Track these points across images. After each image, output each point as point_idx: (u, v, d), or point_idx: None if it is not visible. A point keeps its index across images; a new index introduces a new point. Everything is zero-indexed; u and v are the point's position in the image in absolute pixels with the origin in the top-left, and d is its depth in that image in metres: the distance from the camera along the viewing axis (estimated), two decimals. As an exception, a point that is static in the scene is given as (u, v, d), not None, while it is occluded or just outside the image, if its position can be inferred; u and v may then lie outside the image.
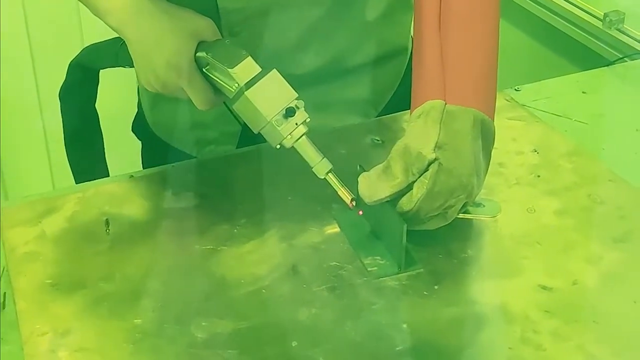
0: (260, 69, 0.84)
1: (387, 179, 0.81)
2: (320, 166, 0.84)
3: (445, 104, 0.83)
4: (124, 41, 0.90)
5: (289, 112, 0.82)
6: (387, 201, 0.82)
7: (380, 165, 0.83)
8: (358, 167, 0.86)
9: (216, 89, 0.88)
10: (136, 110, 1.16)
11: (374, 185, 0.81)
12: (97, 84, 1.03)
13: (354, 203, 0.84)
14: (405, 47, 1.11)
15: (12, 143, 1.87)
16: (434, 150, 0.80)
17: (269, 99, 0.82)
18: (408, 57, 1.11)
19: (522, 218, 0.92)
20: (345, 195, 0.84)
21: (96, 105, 1.04)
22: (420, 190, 0.80)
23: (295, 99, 0.83)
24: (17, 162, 1.83)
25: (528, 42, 1.73)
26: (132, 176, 0.98)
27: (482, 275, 0.84)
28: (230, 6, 0.97)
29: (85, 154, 1.06)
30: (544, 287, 0.82)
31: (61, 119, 1.05)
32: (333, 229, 0.89)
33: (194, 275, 0.84)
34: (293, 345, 0.76)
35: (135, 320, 0.78)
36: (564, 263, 0.85)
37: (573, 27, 1.53)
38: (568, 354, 0.75)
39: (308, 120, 0.83)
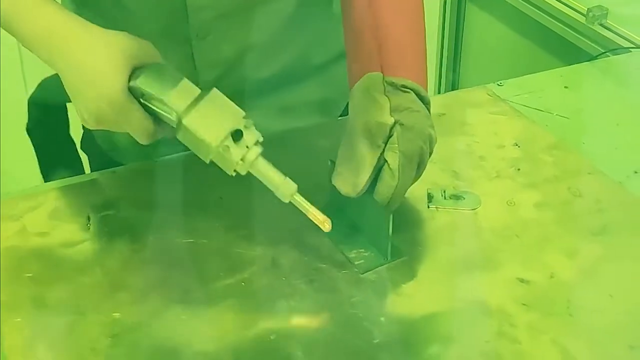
0: (199, 91, 0.75)
1: (358, 163, 0.80)
2: (284, 189, 0.77)
3: (384, 76, 0.83)
4: None
5: (237, 135, 0.74)
6: (367, 193, 0.82)
7: (341, 156, 0.82)
8: (329, 162, 0.85)
9: (158, 119, 0.79)
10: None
11: (351, 178, 0.81)
12: (66, 113, 0.96)
13: (327, 225, 0.80)
14: None
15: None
16: (391, 114, 0.80)
17: (211, 123, 0.74)
18: None
19: (501, 211, 0.92)
20: (316, 217, 0.79)
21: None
22: (394, 158, 0.79)
23: (243, 117, 0.75)
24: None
25: (511, 37, 1.74)
26: (114, 172, 0.98)
27: (460, 268, 0.85)
28: (199, 3, 0.90)
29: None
30: (522, 280, 0.83)
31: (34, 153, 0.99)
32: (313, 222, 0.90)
33: (173, 269, 0.84)
34: (271, 338, 0.76)
35: (114, 314, 0.79)
36: (542, 256, 0.86)
37: (556, 22, 1.54)
38: (543, 348, 0.75)
39: (261, 139, 0.76)
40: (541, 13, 1.57)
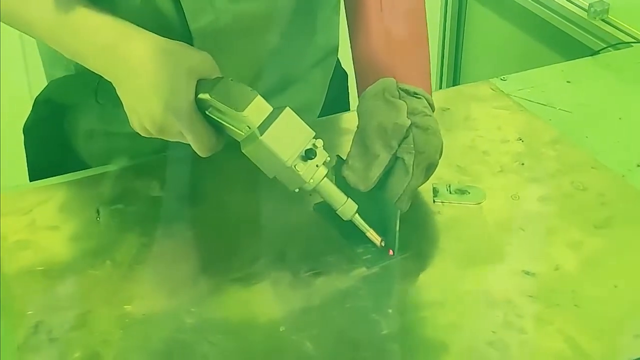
0: (272, 108, 0.77)
1: (371, 160, 0.82)
2: (346, 208, 0.80)
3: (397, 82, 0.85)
4: (102, 77, 0.82)
5: (309, 154, 0.76)
6: (376, 188, 0.83)
7: (354, 151, 0.83)
8: (336, 157, 0.86)
9: (218, 132, 0.80)
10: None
11: (362, 173, 0.83)
12: (64, 117, 0.98)
13: (383, 244, 0.83)
14: (336, 47, 1.10)
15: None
16: (407, 117, 0.82)
17: (286, 141, 0.75)
18: (337, 56, 1.11)
19: (506, 205, 0.93)
20: (374, 236, 0.82)
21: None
22: (410, 157, 0.81)
23: (313, 137, 0.77)
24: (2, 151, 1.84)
25: (514, 32, 1.75)
26: (123, 166, 0.99)
27: (466, 261, 0.86)
28: (200, 23, 0.88)
29: None
30: (527, 273, 0.84)
31: (24, 153, 0.99)
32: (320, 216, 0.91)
33: (182, 262, 0.85)
34: (280, 330, 0.77)
35: (125, 307, 0.79)
36: (547, 249, 0.87)
37: (558, 17, 1.54)
38: (549, 338, 0.76)
39: (328, 159, 0.78)
40: (542, 8, 1.58)
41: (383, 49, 0.90)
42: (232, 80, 0.79)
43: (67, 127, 1.01)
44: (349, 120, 1.07)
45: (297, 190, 0.78)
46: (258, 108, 0.76)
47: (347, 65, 1.00)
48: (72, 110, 1.00)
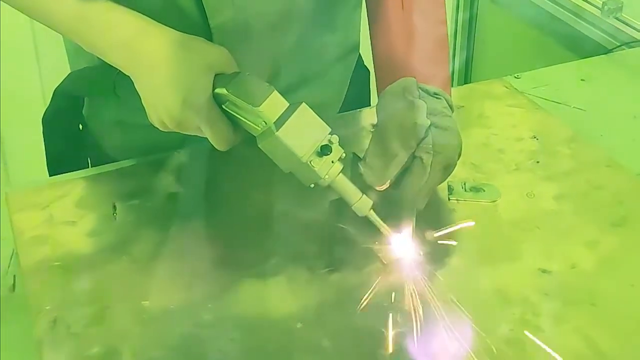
0: (288, 104, 0.77)
1: (389, 158, 0.82)
2: (361, 204, 0.79)
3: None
4: (120, 71, 0.83)
5: (325, 150, 0.76)
6: (392, 187, 0.83)
7: (372, 149, 0.83)
8: (352, 154, 0.86)
9: (236, 126, 0.80)
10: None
11: (379, 170, 0.83)
12: (82, 108, 0.99)
13: (397, 240, 0.82)
14: (356, 45, 1.10)
15: (15, 129, 1.89)
16: (427, 117, 0.82)
17: (301, 136, 0.75)
18: (358, 53, 1.12)
19: (521, 203, 0.93)
20: (389, 233, 0.82)
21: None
22: (428, 157, 0.82)
23: (329, 133, 0.77)
24: (19, 147, 1.85)
25: (526, 30, 1.75)
26: (139, 162, 0.99)
27: (482, 259, 0.86)
28: (220, 19, 0.89)
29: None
30: (543, 271, 0.84)
31: (43, 143, 1.00)
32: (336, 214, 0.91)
33: (199, 258, 0.85)
34: (297, 326, 0.77)
35: (143, 302, 0.80)
36: (563, 247, 0.87)
37: (572, 16, 1.54)
38: (566, 336, 0.76)
39: (344, 155, 0.78)
40: (556, 6, 1.58)
41: (403, 49, 0.90)
42: (249, 75, 0.79)
43: (85, 118, 1.02)
44: (368, 116, 1.07)
45: (312, 185, 0.79)
46: (274, 103, 0.76)
47: (369, 62, 1.00)
48: (91, 101, 1.00)
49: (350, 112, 1.10)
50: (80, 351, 0.75)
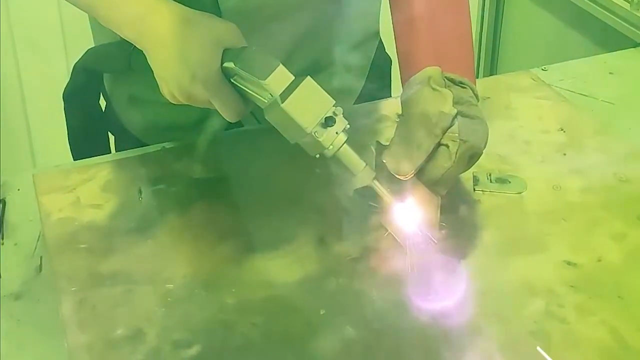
0: (293, 77, 0.79)
1: (414, 148, 0.82)
2: (364, 173, 0.81)
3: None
4: (136, 47, 0.85)
5: (329, 122, 0.78)
6: (416, 176, 0.83)
7: (397, 138, 0.83)
8: (375, 143, 0.86)
9: (244, 99, 0.83)
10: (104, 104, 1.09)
11: (404, 160, 0.82)
12: (102, 84, 1.00)
13: (400, 211, 0.83)
14: (376, 32, 1.10)
15: (41, 110, 1.90)
16: (453, 106, 0.82)
17: (306, 109, 0.78)
18: (378, 40, 1.12)
19: (547, 195, 0.93)
20: (390, 201, 0.82)
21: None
22: (455, 145, 0.81)
23: (333, 105, 0.79)
24: (46, 129, 1.87)
25: (555, 24, 1.73)
26: (164, 147, 1.00)
27: (507, 250, 0.85)
28: (230, 3, 0.91)
29: (91, 152, 1.02)
30: (569, 263, 0.83)
31: (65, 119, 1.03)
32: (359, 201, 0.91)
33: (223, 243, 0.86)
34: (321, 313, 0.78)
35: (167, 285, 0.80)
36: (589, 240, 0.86)
37: (600, 9, 1.52)
38: (592, 328, 0.76)
39: (348, 127, 0.80)
40: (585, 0, 1.56)
41: (427, 39, 0.89)
42: (255, 49, 0.82)
43: (109, 95, 1.04)
44: (390, 106, 1.07)
45: (317, 156, 0.81)
46: (280, 77, 0.79)
47: (391, 50, 1.00)
48: (111, 78, 1.02)
49: (375, 101, 1.10)
50: (105, 332, 0.76)
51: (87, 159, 0.98)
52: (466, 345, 0.75)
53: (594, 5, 1.54)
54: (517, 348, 0.74)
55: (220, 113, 0.83)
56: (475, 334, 0.76)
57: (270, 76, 0.78)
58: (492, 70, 1.98)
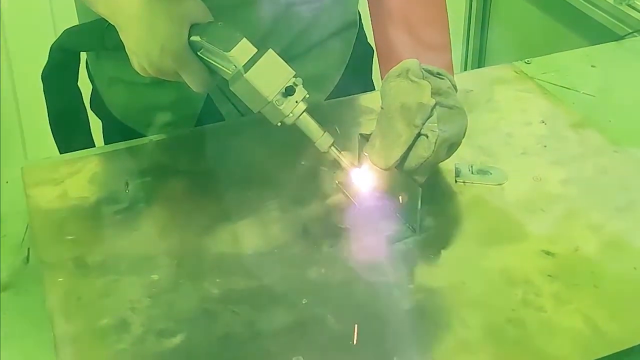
0: (256, 50, 0.84)
1: (394, 139, 0.83)
2: (323, 140, 0.85)
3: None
4: (109, 24, 0.89)
5: (289, 91, 0.83)
6: (397, 167, 0.84)
7: (377, 131, 0.85)
8: (359, 135, 0.88)
9: (211, 71, 0.87)
10: (91, 87, 1.12)
11: (384, 151, 0.84)
12: (79, 64, 1.03)
13: (356, 168, 0.86)
14: (355, 21, 1.12)
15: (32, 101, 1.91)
16: (432, 96, 0.84)
17: (268, 79, 0.83)
18: (357, 30, 1.13)
19: (527, 186, 0.94)
20: (347, 165, 0.86)
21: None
22: (434, 134, 0.83)
23: (293, 76, 0.83)
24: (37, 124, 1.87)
25: (539, 16, 1.75)
26: (151, 140, 1.01)
27: (487, 240, 0.87)
28: None
29: (71, 132, 1.05)
30: (547, 253, 0.85)
31: (44, 100, 1.04)
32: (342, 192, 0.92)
33: (208, 235, 0.87)
34: (303, 302, 0.79)
35: (152, 276, 0.82)
36: (567, 230, 0.88)
37: (584, 2, 1.54)
38: (568, 317, 0.77)
39: (307, 96, 0.84)
40: (569, -8, 1.58)
41: (404, 32, 0.91)
42: (221, 24, 0.87)
43: (92, 77, 1.07)
44: (372, 99, 1.08)
45: (279, 124, 0.84)
46: (244, 49, 0.84)
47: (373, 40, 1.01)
48: (92, 58, 1.06)
49: (359, 94, 1.11)
50: (91, 322, 0.77)
51: (74, 152, 1.00)
52: (445, 333, 0.77)
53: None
54: (495, 335, 0.76)
55: (188, 84, 0.87)
56: (454, 322, 0.78)
57: (234, 48, 0.83)
58: (479, 64, 2.00)
